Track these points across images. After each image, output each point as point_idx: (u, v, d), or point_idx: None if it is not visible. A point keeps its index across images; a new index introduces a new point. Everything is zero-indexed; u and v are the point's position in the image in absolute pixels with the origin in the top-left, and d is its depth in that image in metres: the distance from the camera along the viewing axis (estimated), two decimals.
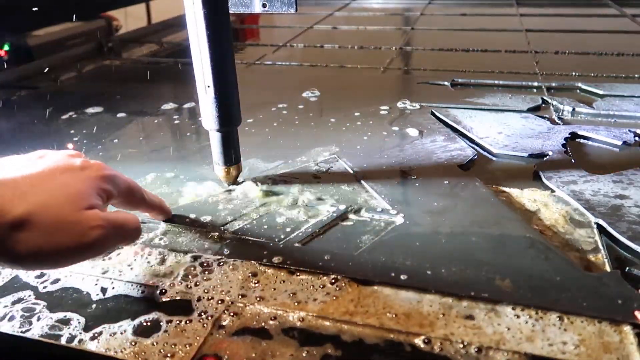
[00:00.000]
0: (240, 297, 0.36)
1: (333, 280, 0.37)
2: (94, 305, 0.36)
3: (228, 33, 0.45)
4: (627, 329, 0.32)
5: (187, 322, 0.34)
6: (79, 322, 0.35)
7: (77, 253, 0.32)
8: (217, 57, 0.44)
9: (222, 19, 0.44)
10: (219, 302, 0.36)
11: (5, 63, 1.01)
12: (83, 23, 1.24)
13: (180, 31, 1.44)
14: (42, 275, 0.39)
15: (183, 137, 0.68)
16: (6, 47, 1.06)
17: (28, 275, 0.39)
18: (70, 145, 0.64)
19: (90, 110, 0.77)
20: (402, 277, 0.37)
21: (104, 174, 0.36)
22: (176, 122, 0.73)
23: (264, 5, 0.46)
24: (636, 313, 0.33)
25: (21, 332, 0.34)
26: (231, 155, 0.50)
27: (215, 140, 0.50)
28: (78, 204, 0.32)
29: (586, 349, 0.31)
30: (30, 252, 0.30)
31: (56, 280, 0.39)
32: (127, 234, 0.37)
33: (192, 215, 0.47)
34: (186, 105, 0.78)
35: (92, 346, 0.33)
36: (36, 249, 0.30)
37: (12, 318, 0.35)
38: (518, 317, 0.34)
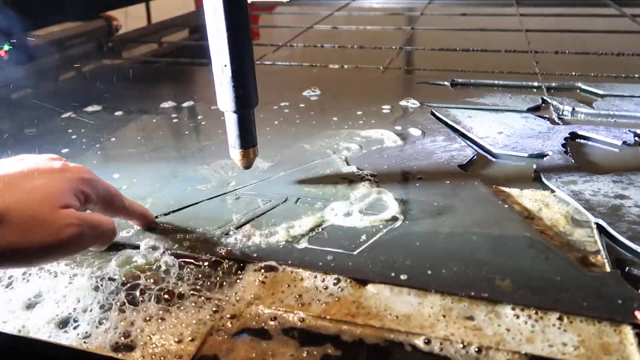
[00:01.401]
0: (241, 297, 0.36)
1: (335, 281, 0.37)
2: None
3: (246, 10, 0.43)
4: (627, 329, 0.32)
5: (189, 323, 0.34)
6: None
7: (51, 251, 0.32)
8: (234, 35, 0.42)
9: None
10: (218, 302, 0.36)
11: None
12: (83, 23, 1.24)
13: (180, 31, 1.44)
14: None
15: (182, 136, 0.68)
16: (6, 47, 1.06)
17: None
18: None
19: (90, 109, 0.77)
20: (403, 277, 0.37)
21: (82, 177, 0.36)
22: (175, 120, 0.73)
23: None
24: (636, 313, 0.33)
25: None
26: (249, 138, 0.48)
27: (231, 122, 0.47)
28: (54, 203, 0.33)
29: (586, 350, 0.31)
30: (4, 249, 0.30)
31: None
32: (102, 234, 0.37)
33: (183, 220, 0.47)
34: (185, 105, 0.78)
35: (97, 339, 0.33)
36: (10, 245, 0.30)
37: None
38: (518, 317, 0.34)
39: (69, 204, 0.34)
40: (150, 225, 0.45)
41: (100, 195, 0.38)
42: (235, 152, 0.49)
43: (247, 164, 0.50)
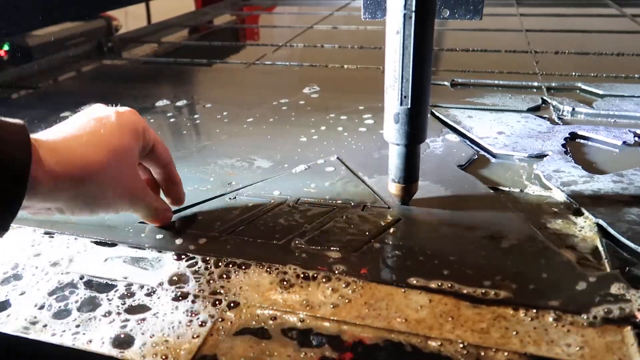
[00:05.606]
0: (244, 298, 0.36)
1: (344, 285, 0.37)
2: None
3: (432, 42, 0.42)
4: (627, 329, 0.32)
5: (189, 322, 0.34)
6: None
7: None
8: (420, 67, 0.41)
9: (431, 24, 0.41)
10: (218, 302, 0.36)
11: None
12: (83, 23, 1.24)
13: (180, 31, 1.44)
14: None
15: (181, 135, 0.68)
16: (6, 47, 1.06)
17: None
18: None
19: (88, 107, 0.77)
20: (402, 278, 0.37)
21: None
22: (172, 120, 0.73)
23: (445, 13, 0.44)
24: (637, 313, 0.33)
25: None
26: (413, 172, 0.46)
27: (398, 156, 0.45)
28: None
29: (587, 350, 0.31)
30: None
31: None
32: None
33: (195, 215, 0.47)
34: (179, 103, 0.78)
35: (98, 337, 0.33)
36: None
37: None
38: (519, 317, 0.34)
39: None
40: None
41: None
42: (395, 187, 0.46)
43: (408, 199, 0.47)
